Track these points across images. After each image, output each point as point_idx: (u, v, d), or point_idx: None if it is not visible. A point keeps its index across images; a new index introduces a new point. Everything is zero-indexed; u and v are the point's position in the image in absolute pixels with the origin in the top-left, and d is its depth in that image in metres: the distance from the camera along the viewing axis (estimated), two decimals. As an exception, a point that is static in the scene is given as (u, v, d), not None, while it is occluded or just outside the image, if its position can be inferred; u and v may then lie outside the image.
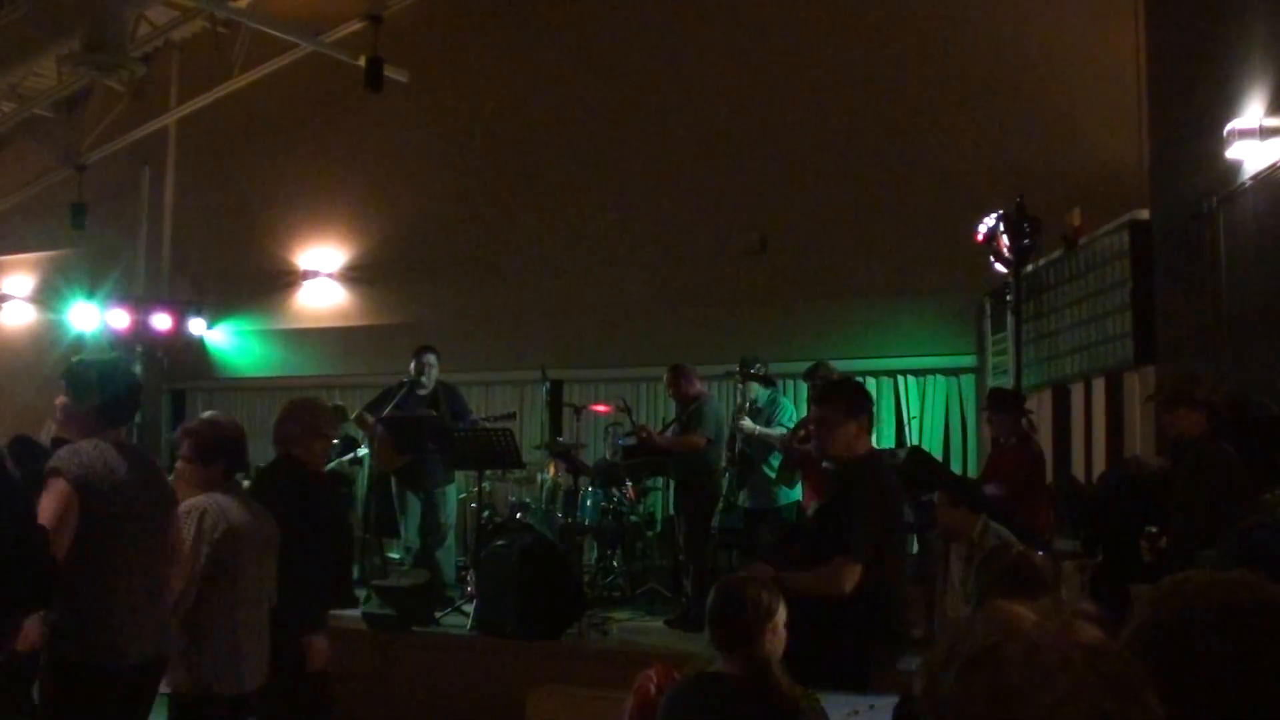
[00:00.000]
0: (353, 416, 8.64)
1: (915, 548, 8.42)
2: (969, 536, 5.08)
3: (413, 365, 8.04)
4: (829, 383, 4.85)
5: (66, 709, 3.44)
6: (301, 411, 4.62)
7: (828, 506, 4.39)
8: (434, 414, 7.81)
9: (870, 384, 9.69)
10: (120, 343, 11.28)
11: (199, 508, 3.86)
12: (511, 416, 8.41)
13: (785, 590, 3.40)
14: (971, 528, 5.10)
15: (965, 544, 5.11)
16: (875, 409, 9.39)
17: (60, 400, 3.64)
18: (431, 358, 8.05)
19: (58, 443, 5.16)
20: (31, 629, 3.46)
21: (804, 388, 8.47)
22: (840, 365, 8.40)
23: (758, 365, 7.99)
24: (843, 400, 4.35)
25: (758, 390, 7.99)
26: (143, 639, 3.52)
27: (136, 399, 3.78)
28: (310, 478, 4.55)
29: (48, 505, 3.37)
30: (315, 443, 4.54)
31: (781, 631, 3.14)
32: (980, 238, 7.79)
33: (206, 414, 4.28)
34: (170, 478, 4.04)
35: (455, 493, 8.40)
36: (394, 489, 8.18)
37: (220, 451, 4.00)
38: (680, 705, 3.05)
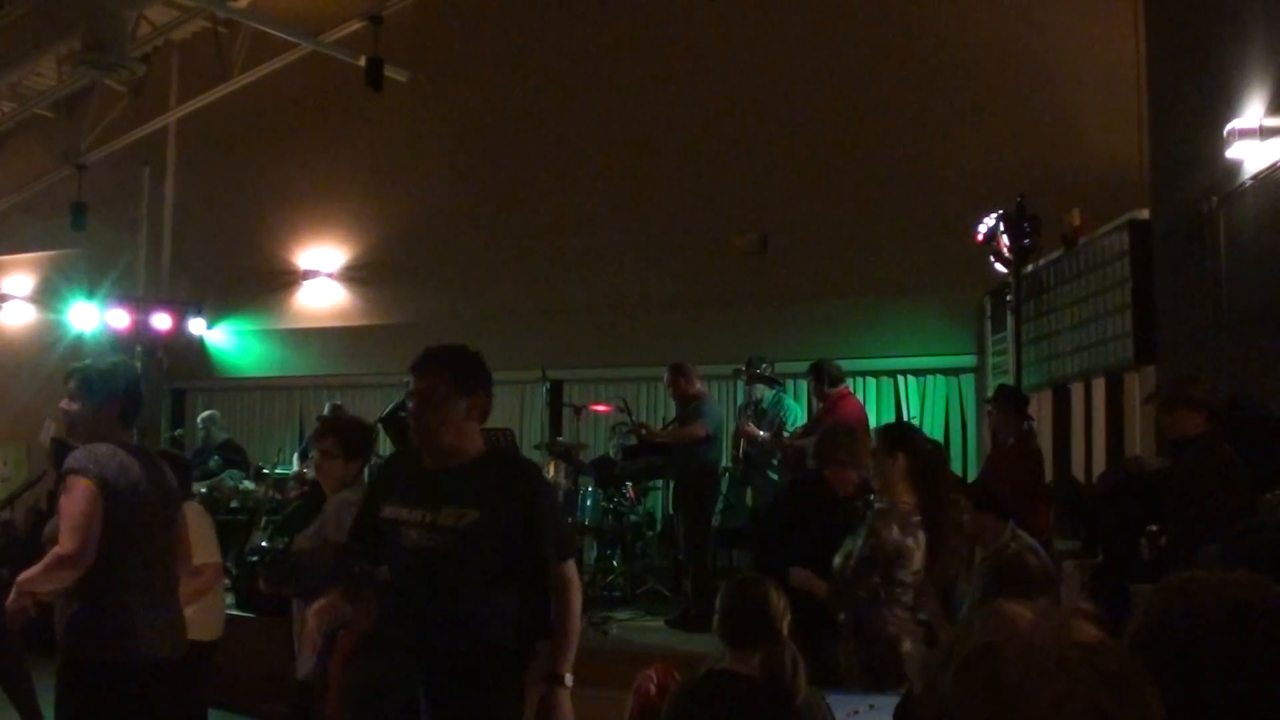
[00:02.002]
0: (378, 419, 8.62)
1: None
2: (997, 542, 5.01)
3: None
4: (427, 349, 3.28)
5: (82, 707, 3.44)
6: (846, 440, 5.03)
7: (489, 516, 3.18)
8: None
9: (870, 384, 9.71)
10: (120, 343, 11.27)
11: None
12: None
13: (551, 622, 3.40)
14: (1000, 534, 5.04)
15: (992, 550, 5.04)
16: (876, 410, 9.58)
17: (65, 404, 3.62)
18: None
19: (61, 445, 5.18)
20: (13, 603, 3.46)
21: (806, 387, 8.46)
22: (840, 365, 8.38)
23: (764, 365, 7.98)
24: (448, 369, 3.15)
25: (762, 391, 7.98)
26: (156, 637, 3.52)
27: (141, 399, 3.79)
28: (833, 500, 4.88)
29: (72, 506, 3.37)
30: (844, 472, 4.89)
31: (786, 633, 3.12)
32: (980, 238, 7.79)
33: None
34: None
35: None
36: None
37: (364, 447, 4.14)
38: (690, 704, 3.04)
